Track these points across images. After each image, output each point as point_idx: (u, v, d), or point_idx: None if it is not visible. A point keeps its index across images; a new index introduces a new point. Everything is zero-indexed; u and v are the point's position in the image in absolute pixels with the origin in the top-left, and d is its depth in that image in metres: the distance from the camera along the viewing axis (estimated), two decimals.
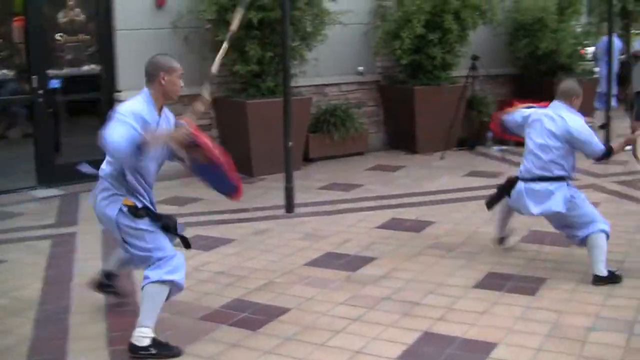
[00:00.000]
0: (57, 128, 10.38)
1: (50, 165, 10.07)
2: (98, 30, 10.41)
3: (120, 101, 10.09)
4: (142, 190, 5.02)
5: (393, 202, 8.92)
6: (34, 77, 9.85)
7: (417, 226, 7.82)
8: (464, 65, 12.51)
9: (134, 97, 4.99)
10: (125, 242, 4.99)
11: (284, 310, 5.57)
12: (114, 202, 4.95)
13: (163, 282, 4.86)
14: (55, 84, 10.11)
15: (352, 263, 6.65)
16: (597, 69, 15.13)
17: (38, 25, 9.90)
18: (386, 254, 6.89)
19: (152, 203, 5.11)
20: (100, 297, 5.83)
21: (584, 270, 6.27)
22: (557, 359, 4.70)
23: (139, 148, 4.56)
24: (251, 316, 5.48)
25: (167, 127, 5.05)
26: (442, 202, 8.85)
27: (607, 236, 6.10)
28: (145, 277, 4.90)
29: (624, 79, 16.77)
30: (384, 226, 7.84)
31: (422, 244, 7.17)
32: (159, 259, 4.89)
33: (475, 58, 11.99)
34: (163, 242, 4.96)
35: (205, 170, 5.28)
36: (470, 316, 5.38)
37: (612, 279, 6.00)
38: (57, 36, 10.10)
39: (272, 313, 5.52)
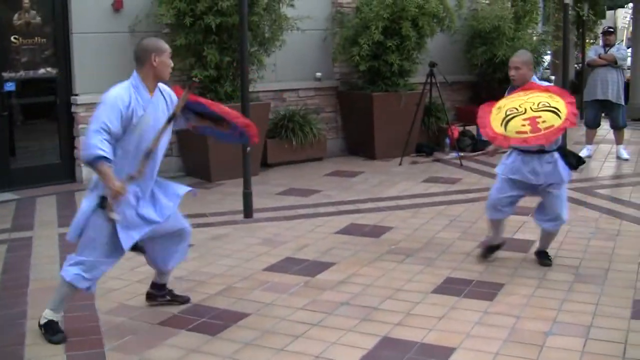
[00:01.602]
0: (12, 131, 10.25)
1: (5, 169, 9.94)
2: (54, 32, 10.31)
3: (77, 104, 10.10)
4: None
5: (352, 207, 8.94)
6: None
7: (376, 231, 7.84)
8: (421, 72, 12.58)
9: (121, 84, 5.13)
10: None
11: (243, 315, 5.55)
12: None
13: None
14: (10, 86, 9.99)
15: (311, 268, 6.65)
16: (553, 77, 15.33)
17: None
18: (345, 259, 6.90)
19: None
20: None
21: (541, 275, 6.35)
22: None
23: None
24: (210, 321, 5.45)
25: (165, 103, 5.24)
26: (401, 207, 8.88)
27: None
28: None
29: (578, 87, 17.03)
30: (342, 231, 7.85)
31: (381, 249, 7.19)
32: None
33: (432, 65, 12.06)
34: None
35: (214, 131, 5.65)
36: (429, 321, 5.40)
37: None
38: (12, 38, 9.98)
39: (231, 318, 5.50)
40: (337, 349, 4.95)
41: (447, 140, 12.66)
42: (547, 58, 16.63)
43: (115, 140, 4.93)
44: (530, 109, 5.96)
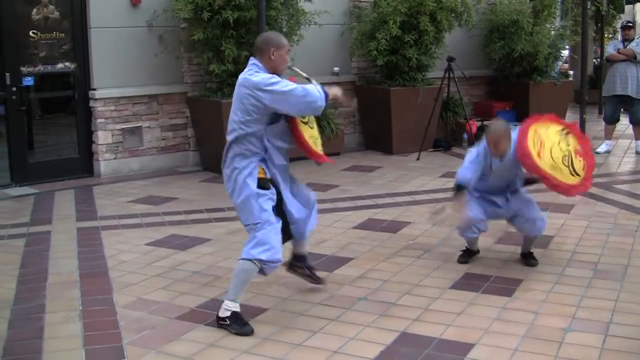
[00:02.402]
0: (30, 126, 10.29)
1: (24, 163, 9.99)
2: (72, 27, 10.35)
3: (95, 99, 10.13)
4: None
5: (369, 202, 8.93)
6: (7, 74, 9.76)
7: (394, 227, 7.82)
8: (439, 66, 12.55)
9: (252, 69, 5.21)
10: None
11: (261, 310, 5.56)
12: None
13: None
14: (28, 81, 10.02)
15: (329, 263, 6.64)
16: (571, 72, 15.27)
17: (11, 22, 9.82)
18: (363, 255, 6.89)
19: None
20: (75, 296, 5.81)
21: (559, 272, 6.31)
22: (534, 359, 4.72)
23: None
24: None
25: None
26: (418, 202, 8.86)
27: None
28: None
29: (596, 82, 16.96)
30: (360, 226, 7.84)
31: (399, 244, 7.17)
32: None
33: (450, 59, 12.02)
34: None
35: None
36: (447, 317, 5.39)
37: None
38: (31, 33, 10.02)
39: (249, 313, 5.48)
40: (355, 344, 4.94)
41: (465, 135, 12.61)
42: (566, 53, 16.55)
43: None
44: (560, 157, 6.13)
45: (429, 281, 6.14)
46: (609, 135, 12.36)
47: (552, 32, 14.06)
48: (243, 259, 5.18)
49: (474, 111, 14.22)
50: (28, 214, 8.57)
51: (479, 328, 5.17)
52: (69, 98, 10.59)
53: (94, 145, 10.47)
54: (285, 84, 5.06)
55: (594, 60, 19.66)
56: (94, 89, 10.28)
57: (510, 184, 6.56)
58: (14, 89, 9.82)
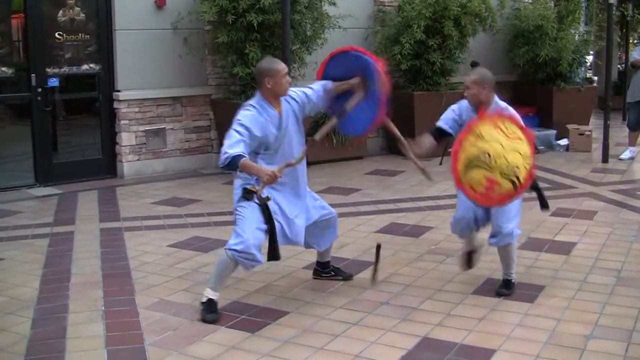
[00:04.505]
0: (55, 127, 10.37)
1: (48, 163, 10.06)
2: (97, 29, 10.42)
3: (119, 100, 10.19)
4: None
5: (392, 206, 8.92)
6: (32, 75, 9.84)
7: (416, 231, 7.81)
8: (463, 71, 12.51)
9: (249, 104, 5.46)
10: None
11: (282, 313, 5.56)
12: None
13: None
14: (53, 82, 10.10)
15: (351, 267, 6.63)
16: (595, 78, 15.18)
17: (38, 23, 9.90)
18: (385, 259, 6.86)
19: None
20: (98, 297, 5.84)
21: (582, 278, 6.28)
22: None
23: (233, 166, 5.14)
24: (250, 318, 5.46)
25: (292, 117, 5.62)
26: (441, 207, 8.84)
27: None
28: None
29: (621, 88, 16.85)
30: (382, 230, 7.83)
31: (421, 249, 7.16)
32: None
33: (474, 64, 11.95)
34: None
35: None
36: (469, 322, 5.37)
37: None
38: (57, 35, 10.09)
39: (270, 316, 5.50)
40: (376, 349, 4.94)
41: None
42: (590, 58, 16.46)
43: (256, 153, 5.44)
44: (500, 169, 5.25)
45: (451, 286, 6.13)
46: (633, 142, 12.28)
47: (577, 37, 13.99)
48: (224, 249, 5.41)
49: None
50: (52, 214, 8.63)
51: (500, 334, 5.15)
52: (94, 99, 10.66)
53: (117, 147, 10.53)
54: (230, 133, 5.22)
55: (619, 66, 19.55)
56: (118, 91, 10.34)
57: None
58: (40, 89, 9.91)
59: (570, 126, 13.17)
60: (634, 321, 5.36)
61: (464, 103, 6.18)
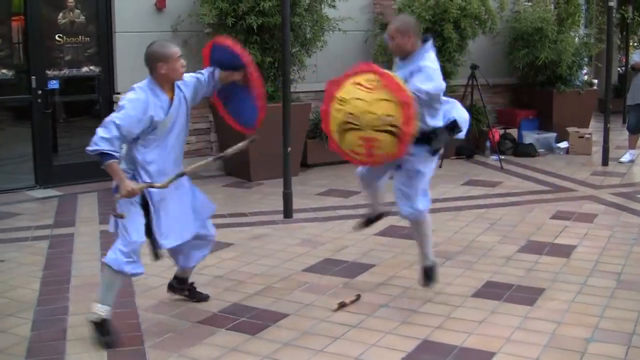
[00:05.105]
0: (55, 129, 10.37)
1: (48, 165, 10.06)
2: (97, 31, 10.42)
3: (119, 103, 10.16)
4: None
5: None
6: (33, 77, 9.84)
7: None
8: (463, 74, 12.52)
9: (137, 86, 5.13)
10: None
11: (282, 316, 5.56)
12: None
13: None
14: (54, 84, 10.10)
15: (350, 270, 6.64)
16: (595, 81, 15.19)
17: (38, 25, 9.90)
18: (384, 261, 6.89)
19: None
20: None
21: (582, 281, 6.28)
22: None
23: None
24: (249, 321, 5.47)
25: (184, 103, 5.32)
26: (440, 210, 8.83)
27: None
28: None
29: (621, 91, 16.84)
30: (382, 233, 7.83)
31: None
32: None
33: (474, 67, 12.00)
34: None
35: (233, 96, 5.61)
36: (469, 325, 5.37)
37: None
38: (57, 37, 10.09)
39: (270, 318, 5.51)
40: (376, 351, 4.94)
41: (488, 143, 12.59)
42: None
43: (135, 140, 5.05)
44: (370, 124, 5.00)
45: (451, 289, 6.13)
46: (632, 145, 12.29)
47: (577, 40, 14.00)
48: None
49: (497, 119, 14.18)
50: (52, 216, 8.63)
51: (500, 337, 5.15)
52: (94, 101, 10.67)
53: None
54: (109, 125, 4.91)
55: (619, 68, 19.56)
56: (118, 93, 10.33)
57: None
58: (40, 92, 9.91)
59: (570, 129, 13.18)
60: (634, 324, 5.36)
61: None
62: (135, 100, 5.00)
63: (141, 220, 5.11)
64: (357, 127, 5.04)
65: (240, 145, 5.49)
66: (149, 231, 5.15)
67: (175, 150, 5.31)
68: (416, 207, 5.76)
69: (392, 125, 4.97)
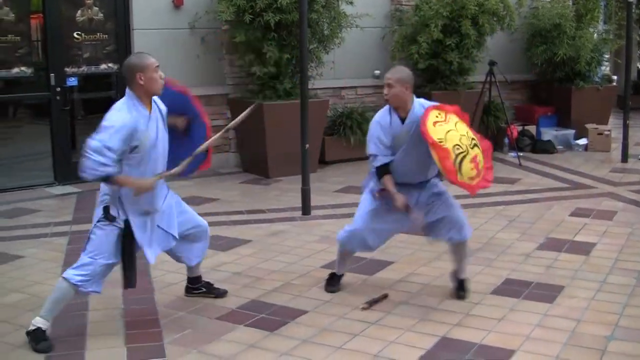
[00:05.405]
0: (73, 126, 10.41)
1: (66, 162, 10.10)
2: (116, 29, 10.45)
3: None
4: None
5: None
6: (51, 74, 9.89)
7: None
8: (481, 70, 12.49)
9: (119, 103, 5.04)
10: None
11: (301, 312, 5.56)
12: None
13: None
14: (72, 81, 10.14)
15: (369, 266, 6.63)
16: (614, 77, 15.10)
17: (56, 23, 9.94)
18: (403, 258, 6.87)
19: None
20: (118, 296, 5.84)
21: (601, 279, 6.25)
22: None
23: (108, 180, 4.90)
24: (268, 317, 5.47)
25: (162, 121, 5.18)
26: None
27: None
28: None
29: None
30: None
31: (439, 248, 7.09)
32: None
33: (492, 63, 11.96)
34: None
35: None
36: (488, 322, 5.36)
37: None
38: (75, 34, 10.13)
39: (289, 314, 5.51)
40: (395, 348, 4.93)
41: (506, 140, 12.54)
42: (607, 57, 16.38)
43: (118, 161, 4.95)
44: (468, 144, 5.40)
45: (470, 286, 6.11)
46: None
47: (595, 36, 13.93)
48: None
49: (515, 116, 14.12)
50: (70, 212, 8.67)
51: (520, 334, 5.13)
52: (112, 98, 10.67)
53: None
54: (100, 148, 4.88)
55: (638, 64, 19.44)
56: None
57: (423, 169, 5.72)
58: (58, 89, 9.96)
59: (589, 126, 13.11)
60: None
61: (382, 119, 5.71)
62: (120, 118, 4.93)
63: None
64: (464, 153, 5.33)
65: (246, 112, 5.57)
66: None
67: (158, 164, 5.18)
68: (468, 230, 5.91)
69: (472, 138, 5.48)
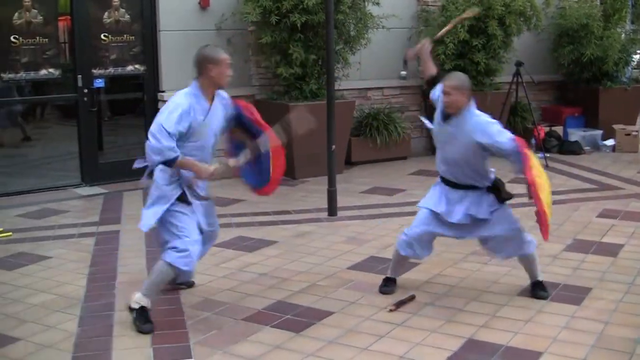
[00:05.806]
0: (100, 127, 10.47)
1: (94, 163, 10.16)
2: (142, 30, 10.49)
3: (164, 101, 10.24)
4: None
5: None
6: (79, 76, 9.95)
7: None
8: (507, 71, 12.43)
9: (182, 91, 5.29)
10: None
11: (327, 314, 5.56)
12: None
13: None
14: (99, 83, 10.20)
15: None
16: None
17: (84, 25, 10.00)
18: (429, 260, 6.82)
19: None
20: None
21: (629, 281, 6.20)
22: None
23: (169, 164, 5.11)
24: (294, 318, 5.47)
25: (221, 112, 5.46)
26: None
27: None
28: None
29: None
30: None
31: (465, 250, 7.10)
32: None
33: (519, 64, 11.91)
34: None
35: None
36: (515, 324, 5.33)
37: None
38: (102, 36, 10.18)
39: (315, 316, 5.51)
40: (421, 350, 4.92)
41: (533, 141, 12.48)
42: (637, 57, 16.24)
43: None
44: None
45: (497, 287, 6.09)
46: None
47: (623, 36, 13.83)
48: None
49: (542, 116, 14.04)
50: (97, 213, 8.72)
51: (547, 336, 5.11)
52: (138, 100, 10.74)
53: None
54: (161, 132, 5.10)
55: None
56: (163, 91, 10.39)
57: (469, 167, 5.99)
58: (86, 90, 10.01)
59: (616, 126, 13.02)
60: None
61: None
62: (175, 101, 5.19)
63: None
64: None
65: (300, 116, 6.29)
66: None
67: (212, 150, 5.47)
68: (528, 244, 5.88)
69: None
